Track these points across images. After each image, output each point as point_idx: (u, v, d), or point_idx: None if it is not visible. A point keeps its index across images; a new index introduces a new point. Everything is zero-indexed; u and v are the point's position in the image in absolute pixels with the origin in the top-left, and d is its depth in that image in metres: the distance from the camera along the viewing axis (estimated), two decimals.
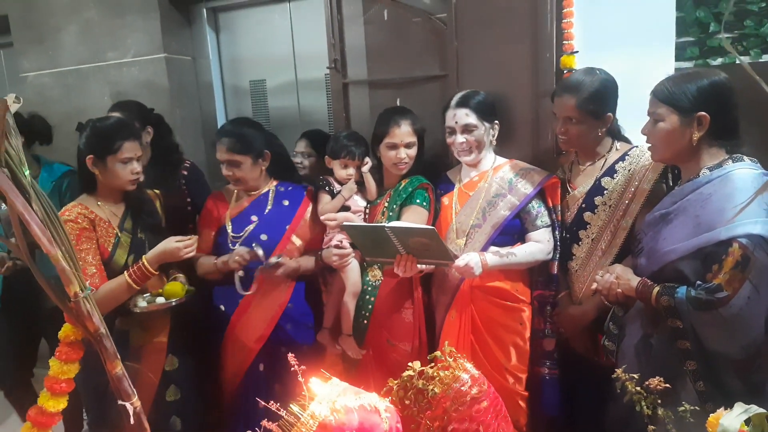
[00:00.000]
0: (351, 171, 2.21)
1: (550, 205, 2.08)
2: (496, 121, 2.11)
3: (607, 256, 1.92)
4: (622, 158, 1.94)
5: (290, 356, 1.14)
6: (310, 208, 2.29)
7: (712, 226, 1.44)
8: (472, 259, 1.92)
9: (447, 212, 2.16)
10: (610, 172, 1.94)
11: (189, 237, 1.98)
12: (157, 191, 2.24)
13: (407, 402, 1.23)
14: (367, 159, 2.23)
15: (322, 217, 2.21)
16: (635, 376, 1.17)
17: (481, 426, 1.20)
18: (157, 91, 3.03)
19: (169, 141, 2.58)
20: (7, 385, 2.79)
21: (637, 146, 1.95)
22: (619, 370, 1.19)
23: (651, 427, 1.13)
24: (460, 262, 1.91)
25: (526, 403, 2.05)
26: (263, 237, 2.20)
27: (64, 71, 3.24)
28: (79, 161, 1.98)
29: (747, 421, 0.96)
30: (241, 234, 2.21)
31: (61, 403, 1.50)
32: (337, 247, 2.16)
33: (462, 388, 1.20)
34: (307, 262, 2.27)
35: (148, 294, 2.02)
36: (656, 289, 1.52)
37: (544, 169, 2.10)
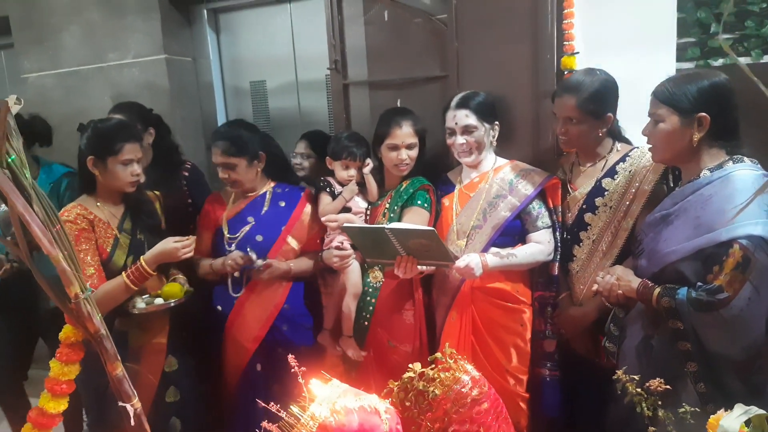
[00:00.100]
0: (352, 172, 2.21)
1: (551, 206, 2.08)
2: (497, 122, 2.11)
3: (608, 257, 1.92)
4: (622, 159, 1.94)
5: (290, 357, 1.14)
6: (306, 210, 2.28)
7: (713, 228, 1.44)
8: (472, 260, 1.92)
9: (447, 213, 2.16)
10: (611, 173, 1.94)
11: (187, 237, 1.98)
12: (156, 192, 2.24)
13: (408, 403, 1.23)
14: (368, 160, 2.23)
15: (323, 219, 2.21)
16: (636, 377, 1.17)
17: (481, 427, 1.20)
18: (158, 92, 3.04)
19: (169, 141, 2.58)
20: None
21: (637, 147, 1.95)
22: (619, 372, 1.19)
23: (651, 428, 1.13)
24: (460, 263, 1.91)
25: (527, 404, 2.05)
26: (258, 238, 2.21)
27: (65, 72, 3.24)
28: (80, 162, 1.99)
29: (747, 423, 0.96)
30: (237, 235, 2.21)
31: (62, 405, 1.50)
32: (338, 248, 2.16)
33: (462, 389, 1.20)
34: (302, 264, 2.26)
35: (146, 295, 2.02)
36: (657, 290, 1.52)
37: (545, 170, 2.10)
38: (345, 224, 2.04)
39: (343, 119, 2.60)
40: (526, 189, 2.05)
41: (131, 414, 1.28)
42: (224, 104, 3.34)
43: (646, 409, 1.14)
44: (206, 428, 2.26)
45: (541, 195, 2.07)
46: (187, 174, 2.57)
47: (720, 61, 2.27)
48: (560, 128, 1.95)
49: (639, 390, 1.15)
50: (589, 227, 1.97)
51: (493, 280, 2.04)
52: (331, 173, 2.28)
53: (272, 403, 1.07)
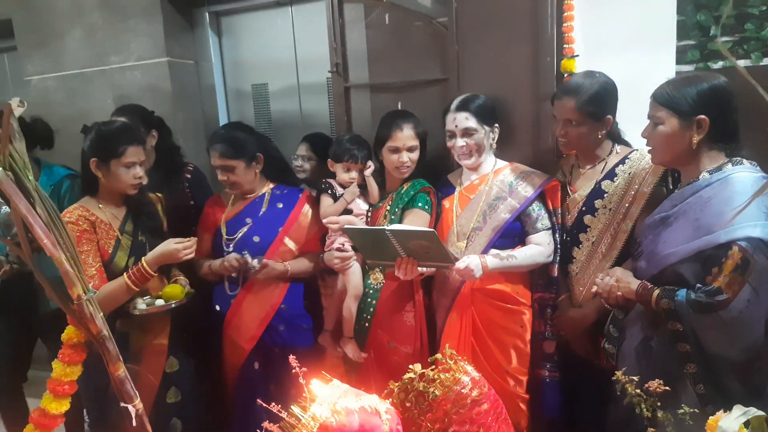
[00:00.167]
0: (354, 174, 2.22)
1: (551, 208, 2.08)
2: (496, 125, 2.12)
3: (607, 259, 1.92)
4: (622, 161, 1.95)
5: (291, 358, 1.15)
6: (304, 211, 2.29)
7: (712, 229, 1.45)
8: (472, 261, 1.92)
9: (448, 215, 2.17)
10: (611, 175, 1.95)
11: (188, 239, 1.99)
12: (159, 194, 2.25)
13: (408, 404, 1.23)
14: (369, 162, 2.24)
15: (324, 221, 2.21)
16: (635, 378, 1.18)
17: (481, 428, 1.20)
18: (160, 95, 3.05)
19: (171, 144, 2.60)
20: None
21: (637, 149, 1.95)
22: (619, 373, 1.20)
23: (651, 429, 1.14)
24: (460, 264, 1.91)
25: (527, 405, 2.05)
26: (256, 239, 2.22)
27: (68, 75, 3.25)
28: (83, 163, 1.99)
29: (746, 424, 0.97)
30: (235, 236, 2.23)
31: (64, 405, 1.51)
32: (339, 250, 2.16)
33: (463, 390, 1.21)
34: (300, 264, 2.27)
35: (148, 296, 2.03)
36: (656, 292, 1.53)
37: (545, 172, 2.11)
38: (346, 226, 2.04)
39: (345, 122, 2.60)
40: (526, 191, 2.05)
41: (133, 415, 1.29)
42: (226, 107, 3.35)
43: (645, 410, 1.14)
44: (207, 428, 2.26)
45: (541, 197, 2.07)
46: (189, 176, 2.58)
47: (720, 64, 2.28)
48: (560, 130, 1.95)
49: (638, 391, 1.16)
50: (588, 229, 1.97)
51: (493, 282, 2.04)
52: (333, 175, 2.28)
53: (273, 404, 1.07)
